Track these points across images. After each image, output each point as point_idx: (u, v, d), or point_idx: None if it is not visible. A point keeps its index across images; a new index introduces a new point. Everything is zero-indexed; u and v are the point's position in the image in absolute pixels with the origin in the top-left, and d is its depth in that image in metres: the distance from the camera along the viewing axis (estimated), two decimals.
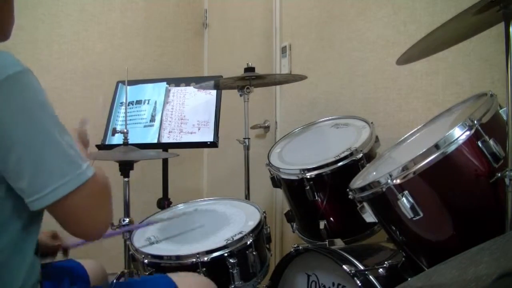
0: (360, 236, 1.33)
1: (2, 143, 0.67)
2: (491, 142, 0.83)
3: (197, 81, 1.94)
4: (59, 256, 1.16)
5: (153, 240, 1.32)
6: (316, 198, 1.30)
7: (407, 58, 1.04)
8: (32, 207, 0.71)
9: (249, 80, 1.65)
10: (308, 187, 1.29)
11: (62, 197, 0.70)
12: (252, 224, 1.30)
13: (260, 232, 1.30)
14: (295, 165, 1.36)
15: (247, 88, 1.67)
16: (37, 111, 0.69)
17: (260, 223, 1.31)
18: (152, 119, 1.94)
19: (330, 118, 1.59)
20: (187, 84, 2.00)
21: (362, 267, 1.06)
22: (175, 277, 1.00)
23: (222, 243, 1.21)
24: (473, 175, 0.87)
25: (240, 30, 2.58)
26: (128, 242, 1.35)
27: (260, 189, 1.99)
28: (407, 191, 0.87)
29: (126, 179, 1.46)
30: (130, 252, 1.30)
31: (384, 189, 0.90)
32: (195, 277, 1.10)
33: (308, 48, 2.03)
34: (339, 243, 1.32)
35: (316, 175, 1.28)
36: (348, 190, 1.04)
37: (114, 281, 1.54)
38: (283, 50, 2.16)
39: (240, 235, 1.23)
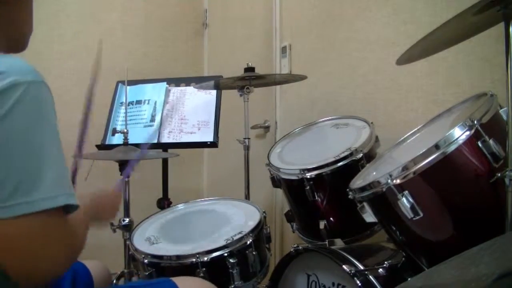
0: (360, 236, 1.33)
1: None
2: (491, 142, 0.83)
3: (197, 81, 1.94)
4: None
5: (153, 240, 1.32)
6: (316, 198, 1.30)
7: (407, 58, 1.04)
8: None
9: (249, 80, 1.65)
10: (308, 187, 1.29)
11: (16, 215, 0.57)
12: (252, 224, 1.30)
13: (260, 232, 1.30)
14: (295, 165, 1.36)
15: (247, 88, 1.67)
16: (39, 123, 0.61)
17: (260, 223, 1.31)
18: (152, 119, 1.94)
19: (330, 118, 1.59)
20: (187, 84, 2.00)
21: (362, 267, 1.05)
22: (177, 281, 0.99)
23: (222, 243, 1.21)
24: (473, 175, 0.87)
25: (240, 30, 2.58)
26: (128, 242, 1.35)
27: (260, 189, 1.99)
28: (407, 191, 0.87)
29: (126, 179, 1.46)
30: (130, 252, 1.30)
31: (384, 189, 0.90)
32: (197, 282, 1.09)
33: (308, 48, 2.03)
34: (339, 243, 1.32)
35: (316, 175, 1.28)
36: (348, 190, 1.04)
37: (114, 281, 1.55)
38: (283, 50, 2.16)
39: (240, 235, 1.23)
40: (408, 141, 1.19)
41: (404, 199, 0.86)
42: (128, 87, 1.84)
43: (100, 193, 1.01)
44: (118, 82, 2.06)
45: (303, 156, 1.44)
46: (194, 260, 1.17)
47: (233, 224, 1.34)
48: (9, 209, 0.57)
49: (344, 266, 1.04)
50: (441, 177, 0.87)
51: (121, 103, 1.99)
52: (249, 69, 1.64)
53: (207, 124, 1.89)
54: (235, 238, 1.22)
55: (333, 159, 1.27)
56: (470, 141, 0.84)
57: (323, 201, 1.31)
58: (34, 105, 0.61)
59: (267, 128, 2.28)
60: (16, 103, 0.58)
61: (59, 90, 2.38)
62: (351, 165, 1.25)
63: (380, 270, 1.04)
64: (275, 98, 2.24)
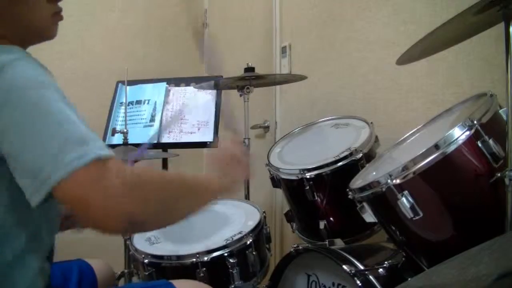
0: (360, 236, 1.33)
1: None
2: (491, 142, 0.83)
3: (197, 81, 1.94)
4: (66, 255, 1.12)
5: (153, 240, 1.32)
6: (316, 198, 1.30)
7: (407, 58, 1.04)
8: (33, 202, 0.59)
9: (249, 80, 1.65)
10: (307, 187, 1.29)
11: (61, 180, 0.57)
12: (252, 224, 1.30)
13: (260, 232, 1.30)
14: (295, 165, 1.36)
15: (247, 88, 1.67)
16: (33, 89, 0.62)
17: (260, 223, 1.31)
18: (152, 119, 1.94)
19: (330, 118, 1.59)
20: (187, 84, 2.00)
21: (362, 267, 1.05)
22: (178, 284, 0.99)
23: (222, 243, 1.21)
24: (473, 175, 0.88)
25: (240, 30, 2.58)
26: (128, 242, 1.35)
27: (260, 189, 1.99)
28: (407, 191, 0.87)
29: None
30: (130, 252, 1.30)
31: (384, 189, 0.90)
32: (196, 285, 1.09)
33: (308, 48, 2.03)
34: (339, 243, 1.32)
35: (316, 175, 1.28)
36: (348, 190, 1.04)
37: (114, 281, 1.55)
38: (283, 50, 2.16)
39: (240, 235, 1.23)
40: (408, 141, 1.19)
41: (404, 199, 0.86)
42: (128, 87, 1.84)
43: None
44: (118, 82, 2.06)
45: (303, 156, 1.44)
46: (194, 260, 1.17)
47: (233, 224, 1.34)
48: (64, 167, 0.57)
49: (344, 266, 1.04)
50: (441, 177, 0.87)
51: (121, 103, 1.99)
52: (249, 69, 1.64)
53: (207, 124, 1.89)
54: (235, 238, 1.22)
55: (333, 159, 1.27)
56: (470, 141, 0.84)
57: (323, 201, 1.31)
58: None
59: (267, 128, 2.28)
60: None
61: None
62: (351, 165, 1.25)
63: (380, 270, 1.04)
64: (275, 98, 2.23)
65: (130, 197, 0.61)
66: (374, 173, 1.09)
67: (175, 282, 0.98)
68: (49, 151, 0.58)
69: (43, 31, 0.80)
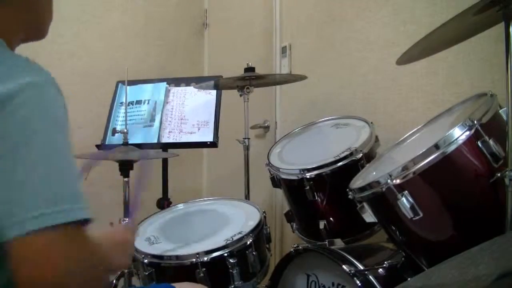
0: (360, 236, 1.33)
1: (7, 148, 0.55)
2: (491, 142, 0.83)
3: (197, 81, 1.94)
4: None
5: (153, 240, 1.32)
6: (316, 198, 1.30)
7: (407, 58, 1.04)
8: (6, 234, 0.53)
9: (249, 80, 1.65)
10: (308, 187, 1.29)
11: (46, 226, 0.53)
12: (252, 224, 1.30)
13: (260, 232, 1.30)
14: (295, 165, 1.36)
15: (247, 88, 1.67)
16: (53, 127, 0.59)
17: (260, 223, 1.31)
18: (152, 119, 1.94)
19: (330, 118, 1.59)
20: (187, 84, 2.00)
21: (362, 267, 1.05)
22: (178, 286, 0.99)
23: (222, 243, 1.21)
24: (473, 175, 0.88)
25: (240, 30, 2.58)
26: None
27: (260, 189, 1.99)
28: (407, 191, 0.87)
29: (126, 179, 1.46)
30: None
31: (384, 189, 0.90)
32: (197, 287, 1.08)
33: (308, 48, 2.03)
34: (339, 243, 1.32)
35: (316, 175, 1.28)
36: (348, 190, 1.04)
37: (114, 281, 1.55)
38: (283, 50, 2.16)
39: (240, 235, 1.23)
40: (408, 141, 1.19)
41: (404, 199, 0.86)
42: (128, 87, 1.84)
43: (112, 236, 0.90)
44: (118, 82, 2.06)
45: (303, 156, 1.44)
46: (194, 260, 1.17)
47: (233, 224, 1.33)
48: (34, 220, 0.53)
49: (344, 266, 1.04)
50: (441, 177, 0.87)
51: (121, 103, 1.99)
52: (249, 69, 1.64)
53: (207, 124, 1.89)
54: (235, 238, 1.22)
55: (333, 159, 1.27)
56: (470, 141, 0.84)
57: (323, 201, 1.31)
58: (43, 107, 0.59)
59: (267, 128, 2.28)
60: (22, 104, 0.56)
61: None
62: (351, 165, 1.25)
63: (380, 270, 1.04)
64: (275, 98, 2.23)
65: (79, 276, 0.57)
66: (374, 173, 1.09)
67: (176, 285, 0.98)
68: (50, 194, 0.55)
69: (46, 27, 0.78)
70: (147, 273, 1.20)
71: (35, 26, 0.76)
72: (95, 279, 0.62)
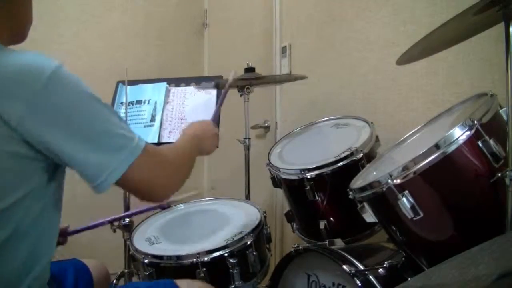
0: (360, 236, 1.33)
1: (59, 130, 0.72)
2: (491, 142, 0.83)
3: (197, 81, 1.94)
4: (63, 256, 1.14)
5: (153, 240, 1.32)
6: (316, 198, 1.30)
7: (407, 58, 1.04)
8: (98, 190, 0.74)
9: (249, 80, 1.65)
10: (308, 187, 1.29)
11: (124, 172, 0.74)
12: (252, 224, 1.30)
13: (260, 232, 1.30)
14: (295, 165, 1.36)
15: (247, 88, 1.67)
16: (85, 99, 0.81)
17: (260, 223, 1.31)
18: (152, 119, 1.94)
19: (330, 118, 1.59)
20: (187, 84, 2.00)
21: (362, 267, 1.05)
22: (180, 283, 0.99)
23: (222, 243, 1.21)
24: (473, 175, 0.88)
25: (240, 30, 2.58)
26: (128, 242, 1.35)
27: (260, 189, 1.99)
28: (407, 191, 0.87)
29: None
30: (130, 252, 1.30)
31: (384, 189, 0.90)
32: (199, 285, 1.09)
33: (308, 48, 2.03)
34: (339, 243, 1.32)
35: (316, 175, 1.28)
36: (348, 190, 1.04)
37: (114, 281, 1.55)
38: (283, 50, 2.16)
39: (240, 235, 1.23)
40: (408, 141, 1.19)
41: (404, 199, 0.86)
42: (128, 87, 1.84)
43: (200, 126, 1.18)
44: (118, 82, 2.05)
45: (303, 156, 1.44)
46: (194, 260, 1.17)
47: (233, 224, 1.34)
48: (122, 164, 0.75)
49: (344, 266, 1.05)
50: (441, 177, 0.87)
51: (121, 103, 1.99)
52: (249, 69, 1.64)
53: None
54: (235, 238, 1.22)
55: (334, 159, 1.27)
56: (470, 141, 0.84)
57: (323, 201, 1.31)
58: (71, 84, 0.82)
59: (267, 128, 2.28)
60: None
61: None
62: (352, 165, 1.25)
63: (380, 270, 1.04)
64: (275, 98, 2.24)
65: (171, 171, 0.90)
66: (375, 173, 1.09)
67: (178, 281, 0.99)
68: (109, 148, 0.75)
69: (26, 31, 0.84)
70: (147, 273, 1.20)
71: (17, 31, 0.81)
72: (187, 164, 1.01)
